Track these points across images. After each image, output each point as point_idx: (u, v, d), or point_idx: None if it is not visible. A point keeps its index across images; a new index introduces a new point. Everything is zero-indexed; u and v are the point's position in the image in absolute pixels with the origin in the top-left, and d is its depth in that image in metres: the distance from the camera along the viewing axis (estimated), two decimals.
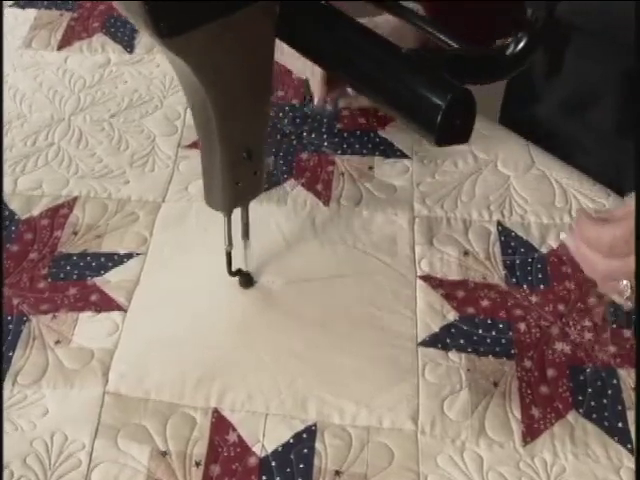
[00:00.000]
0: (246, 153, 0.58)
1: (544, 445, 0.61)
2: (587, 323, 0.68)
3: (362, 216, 0.77)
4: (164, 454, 0.60)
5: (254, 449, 0.61)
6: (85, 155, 0.83)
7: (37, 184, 0.80)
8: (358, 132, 0.85)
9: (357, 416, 0.62)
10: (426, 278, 0.71)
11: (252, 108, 0.56)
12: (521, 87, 0.89)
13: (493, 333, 0.68)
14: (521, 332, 0.68)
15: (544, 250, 0.74)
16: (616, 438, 0.61)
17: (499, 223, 0.76)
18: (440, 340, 0.67)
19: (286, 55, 0.81)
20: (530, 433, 0.61)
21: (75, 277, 0.72)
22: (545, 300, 0.70)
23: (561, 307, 0.69)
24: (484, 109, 0.88)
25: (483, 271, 0.72)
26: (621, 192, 0.78)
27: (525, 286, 0.71)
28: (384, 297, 0.70)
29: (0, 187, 0.78)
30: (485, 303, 0.70)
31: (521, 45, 0.52)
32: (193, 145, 0.83)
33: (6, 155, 0.82)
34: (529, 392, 0.64)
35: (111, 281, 0.71)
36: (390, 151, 0.83)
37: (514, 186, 0.79)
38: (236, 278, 0.70)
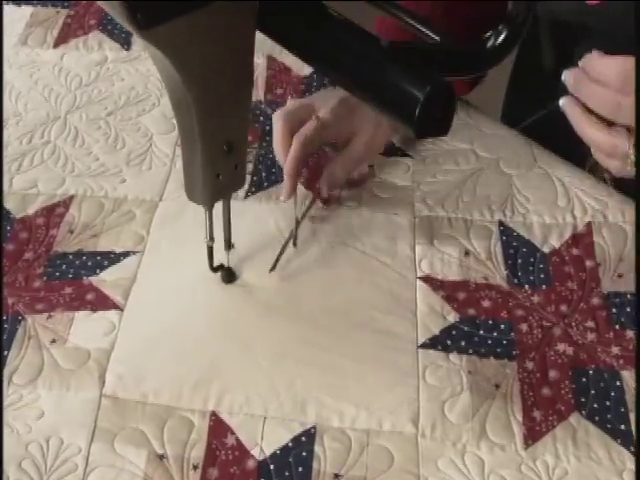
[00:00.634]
0: (227, 146, 0.58)
1: (546, 448, 0.60)
2: (590, 324, 0.67)
3: (362, 216, 0.76)
4: (161, 457, 0.59)
5: (252, 452, 0.60)
6: (81, 153, 0.82)
7: (33, 183, 0.79)
8: None
9: (357, 419, 0.62)
10: (426, 279, 0.71)
11: (232, 101, 0.56)
12: (523, 85, 0.88)
13: (494, 334, 0.67)
14: (523, 333, 0.67)
15: (546, 250, 0.73)
16: (619, 440, 0.61)
17: (501, 223, 0.75)
18: (441, 342, 0.66)
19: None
20: (532, 435, 0.61)
21: (71, 276, 0.71)
22: (547, 300, 0.69)
23: (563, 308, 0.69)
24: (486, 108, 0.88)
25: (484, 271, 0.71)
26: (623, 190, 0.77)
27: (527, 286, 0.70)
28: (384, 299, 0.69)
29: (0, 191, 0.78)
30: (486, 304, 0.69)
31: (501, 38, 0.52)
32: None
33: None
34: (531, 394, 0.63)
35: (107, 280, 0.70)
36: (391, 150, 0.82)
37: (516, 185, 0.79)
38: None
